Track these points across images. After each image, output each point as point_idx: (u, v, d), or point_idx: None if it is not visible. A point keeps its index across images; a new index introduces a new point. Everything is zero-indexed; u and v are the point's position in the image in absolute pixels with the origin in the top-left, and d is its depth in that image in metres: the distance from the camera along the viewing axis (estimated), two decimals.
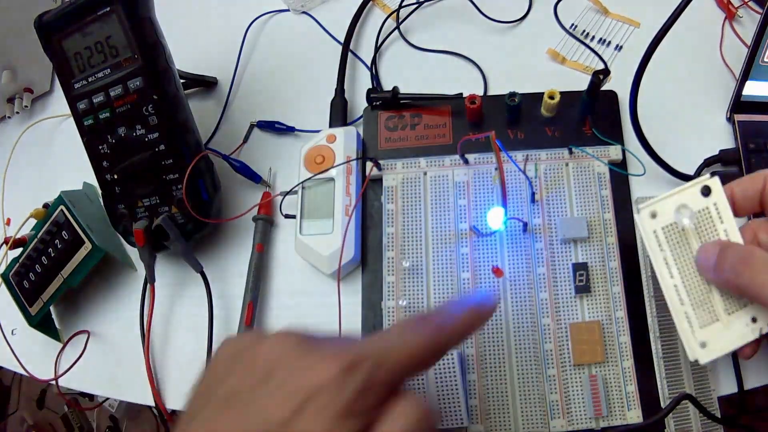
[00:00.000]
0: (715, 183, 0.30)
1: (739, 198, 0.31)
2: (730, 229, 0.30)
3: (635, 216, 0.32)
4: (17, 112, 0.57)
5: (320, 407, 0.22)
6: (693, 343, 0.30)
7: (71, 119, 0.43)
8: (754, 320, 0.29)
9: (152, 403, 0.41)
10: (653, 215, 0.31)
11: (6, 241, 0.46)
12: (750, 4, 0.45)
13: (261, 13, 0.53)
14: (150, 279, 0.42)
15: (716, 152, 0.40)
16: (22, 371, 0.46)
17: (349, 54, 0.49)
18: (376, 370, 0.23)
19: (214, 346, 0.41)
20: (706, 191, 0.31)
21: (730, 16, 0.45)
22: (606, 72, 0.37)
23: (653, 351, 0.35)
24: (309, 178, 0.41)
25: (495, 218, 0.37)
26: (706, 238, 0.30)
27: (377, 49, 0.49)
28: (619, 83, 0.41)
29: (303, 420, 0.22)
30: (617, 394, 0.35)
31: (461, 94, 0.43)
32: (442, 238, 0.39)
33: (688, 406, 0.34)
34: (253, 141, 0.48)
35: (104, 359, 0.44)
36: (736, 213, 0.30)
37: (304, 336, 0.25)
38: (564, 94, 0.40)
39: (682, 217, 0.30)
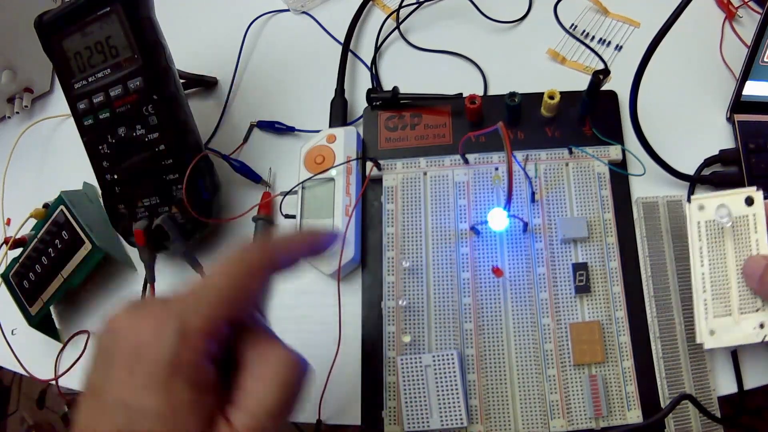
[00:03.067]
0: (758, 195, 0.34)
1: None
2: (761, 240, 0.33)
3: (685, 205, 0.36)
4: (17, 112, 0.57)
5: (146, 368, 0.22)
6: (704, 328, 0.33)
7: (71, 119, 0.43)
8: (761, 326, 0.32)
9: None
10: (701, 207, 0.34)
11: (6, 241, 0.46)
12: (750, 4, 0.45)
13: (261, 13, 0.53)
14: (150, 279, 0.42)
15: (716, 152, 0.40)
16: (22, 371, 0.46)
17: (349, 54, 0.49)
18: (188, 318, 0.22)
19: None
20: (750, 201, 0.34)
21: (730, 16, 0.45)
22: (606, 72, 0.37)
23: (653, 351, 0.35)
24: (309, 178, 0.41)
25: (496, 219, 0.37)
26: (740, 242, 0.34)
27: (377, 49, 0.49)
28: (619, 83, 0.41)
29: (135, 387, 0.22)
30: (617, 394, 0.35)
31: (461, 94, 0.43)
32: (442, 238, 0.39)
33: (688, 406, 0.34)
34: (253, 141, 0.48)
35: None
36: None
37: (133, 303, 0.24)
38: (564, 94, 0.40)
39: (723, 217, 0.33)
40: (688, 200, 0.35)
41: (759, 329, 0.32)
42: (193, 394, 0.22)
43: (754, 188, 0.34)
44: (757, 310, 0.33)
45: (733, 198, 0.34)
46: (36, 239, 0.45)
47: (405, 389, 0.35)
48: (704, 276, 0.34)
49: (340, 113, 0.45)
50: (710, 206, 0.34)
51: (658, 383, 0.35)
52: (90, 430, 0.22)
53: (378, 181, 0.41)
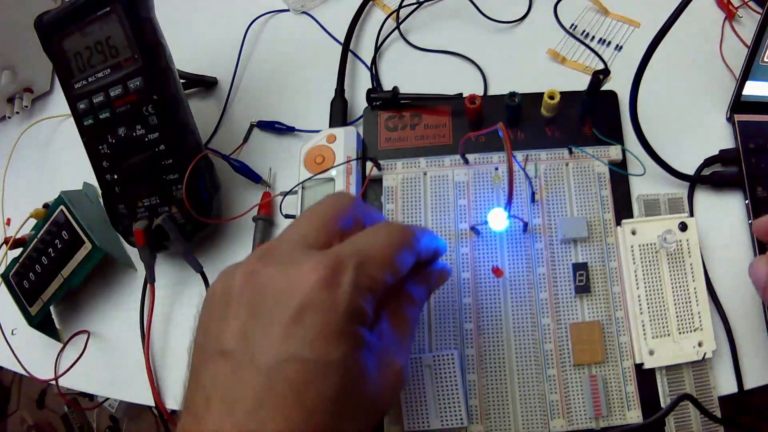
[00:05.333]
0: (691, 222, 0.36)
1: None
2: (695, 264, 0.35)
3: (617, 228, 0.37)
4: (17, 112, 0.57)
5: (321, 318, 0.22)
6: (643, 348, 0.34)
7: (71, 119, 0.43)
8: (700, 344, 0.34)
9: (152, 403, 0.41)
10: (633, 232, 0.36)
11: (6, 241, 0.46)
12: (750, 4, 0.45)
13: (261, 13, 0.53)
14: (150, 279, 0.42)
15: (716, 152, 0.40)
16: (22, 371, 0.46)
17: (349, 54, 0.49)
18: (361, 269, 0.23)
19: None
20: (683, 227, 0.35)
21: (730, 16, 0.45)
22: (606, 72, 0.37)
23: None
24: (309, 178, 0.41)
25: (496, 219, 0.37)
26: (675, 266, 0.35)
27: (377, 49, 0.49)
28: (619, 83, 0.41)
29: (304, 335, 0.21)
30: (617, 394, 0.35)
31: (461, 94, 0.43)
32: (442, 238, 0.39)
33: (688, 406, 0.34)
34: (253, 141, 0.48)
35: (104, 359, 0.44)
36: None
37: (266, 252, 0.24)
38: (564, 94, 0.40)
39: (670, 243, 0.35)
40: (618, 224, 0.37)
41: (698, 347, 0.34)
42: (366, 336, 0.23)
43: (687, 214, 0.36)
44: (695, 330, 0.34)
45: (668, 224, 0.35)
46: (36, 239, 0.45)
47: (405, 389, 0.35)
48: (640, 298, 0.35)
49: (340, 113, 0.45)
50: (642, 231, 0.36)
51: (658, 383, 0.35)
52: (252, 388, 0.21)
53: (378, 181, 0.41)
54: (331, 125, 0.45)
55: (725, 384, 0.35)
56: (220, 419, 0.21)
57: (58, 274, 0.44)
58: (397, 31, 0.50)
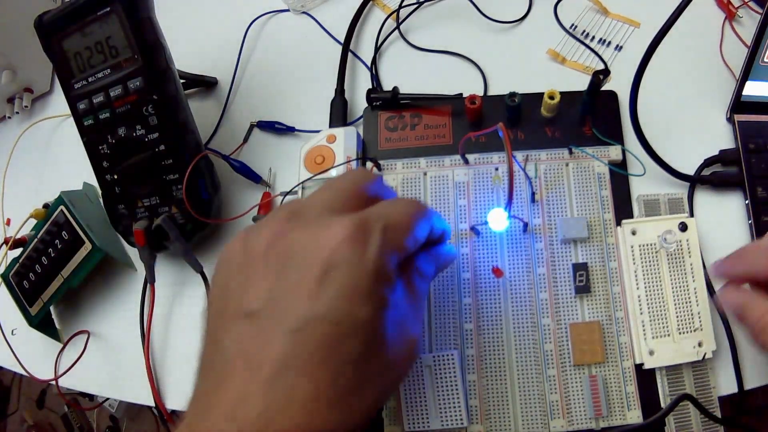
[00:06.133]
0: (691, 222, 0.36)
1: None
2: (695, 264, 0.35)
3: (617, 228, 0.37)
4: (17, 112, 0.57)
5: (347, 279, 0.22)
6: (643, 349, 0.34)
7: (71, 119, 0.43)
8: (700, 344, 0.34)
9: (152, 403, 0.41)
10: (633, 233, 0.36)
11: (6, 241, 0.46)
12: (750, 4, 0.45)
13: (261, 13, 0.53)
14: (150, 279, 0.42)
15: (716, 152, 0.40)
16: (22, 371, 0.46)
17: (349, 54, 0.49)
18: (387, 234, 0.24)
19: None
20: (683, 227, 0.35)
21: (730, 16, 0.45)
22: (606, 72, 0.37)
23: None
24: (309, 178, 0.41)
25: (496, 220, 0.37)
26: (675, 266, 0.35)
27: (377, 49, 0.49)
28: (619, 83, 0.41)
29: (332, 294, 0.22)
30: (617, 394, 0.35)
31: (461, 94, 0.43)
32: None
33: (688, 406, 0.34)
34: (253, 141, 0.48)
35: (104, 359, 0.44)
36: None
37: (293, 214, 0.25)
38: (564, 94, 0.40)
39: (670, 243, 0.35)
40: (618, 224, 0.37)
41: (698, 347, 0.34)
42: (390, 297, 0.23)
43: (687, 214, 0.37)
44: (695, 330, 0.34)
45: (668, 224, 0.35)
46: (36, 239, 0.45)
47: (405, 389, 0.35)
48: (640, 298, 0.35)
49: (340, 113, 0.45)
50: (642, 231, 0.36)
51: (658, 383, 0.35)
52: (277, 349, 0.21)
53: None
54: (331, 125, 0.45)
55: (725, 384, 0.35)
56: (245, 383, 0.21)
57: (58, 274, 0.44)
58: (397, 31, 0.50)
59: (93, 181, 0.44)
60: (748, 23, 0.44)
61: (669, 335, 0.34)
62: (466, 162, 0.40)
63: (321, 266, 0.22)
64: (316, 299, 0.22)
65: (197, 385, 0.23)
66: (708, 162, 0.40)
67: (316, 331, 0.21)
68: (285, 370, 0.21)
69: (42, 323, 0.46)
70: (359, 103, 0.48)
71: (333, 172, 0.41)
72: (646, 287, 0.35)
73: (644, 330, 0.35)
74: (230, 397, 0.21)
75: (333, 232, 0.23)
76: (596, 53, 0.45)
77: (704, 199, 0.39)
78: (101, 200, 0.45)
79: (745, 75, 0.40)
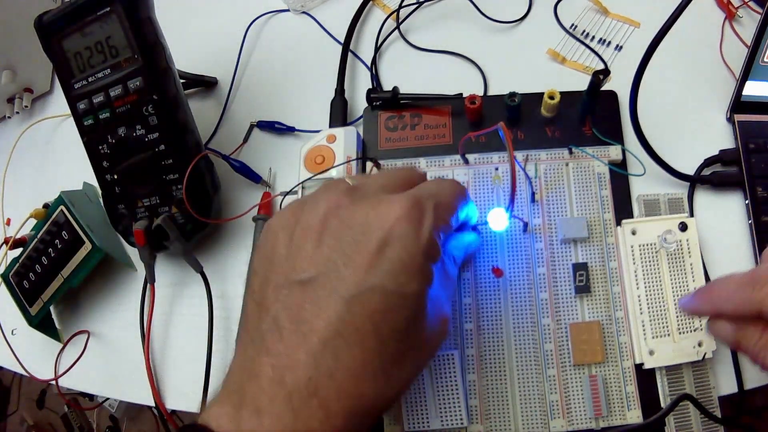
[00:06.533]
0: (691, 222, 0.36)
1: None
2: (695, 264, 0.35)
3: (617, 228, 0.37)
4: (17, 112, 0.57)
5: (401, 250, 0.23)
6: (643, 349, 0.34)
7: (71, 119, 0.43)
8: (699, 344, 0.34)
9: (152, 403, 0.41)
10: (633, 232, 0.36)
11: (6, 241, 0.46)
12: (750, 4, 0.45)
13: (261, 13, 0.53)
14: (150, 279, 0.42)
15: (716, 152, 0.40)
16: (22, 371, 0.46)
17: (349, 54, 0.49)
18: (438, 212, 0.25)
19: (215, 346, 0.41)
20: (683, 227, 0.35)
21: (730, 16, 0.45)
22: (606, 72, 0.37)
23: None
24: (309, 178, 0.41)
25: (496, 219, 0.37)
26: (675, 266, 0.35)
27: (377, 49, 0.49)
28: (619, 83, 0.41)
29: (387, 267, 0.22)
30: (617, 394, 0.35)
31: (461, 94, 0.43)
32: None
33: (688, 406, 0.34)
34: (253, 141, 0.48)
35: (104, 359, 0.44)
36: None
37: (352, 190, 0.26)
38: (564, 94, 0.40)
39: (670, 243, 0.35)
40: (618, 224, 0.37)
41: (698, 347, 0.34)
42: (436, 272, 0.24)
43: (687, 214, 0.36)
44: (695, 330, 0.34)
45: (668, 224, 0.35)
46: (36, 239, 0.45)
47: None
48: (640, 298, 0.35)
49: (340, 113, 0.45)
50: (642, 231, 0.36)
51: (658, 383, 0.35)
52: (330, 318, 0.22)
53: None
54: (331, 125, 0.45)
55: (725, 384, 0.35)
56: (293, 348, 0.22)
57: (58, 274, 0.44)
58: (397, 31, 0.50)
59: (93, 181, 0.44)
60: (748, 23, 0.44)
61: (669, 335, 0.34)
62: (466, 162, 0.40)
63: (379, 239, 0.23)
64: (373, 270, 0.22)
65: (241, 353, 0.24)
66: (708, 162, 0.40)
67: (370, 301, 0.22)
68: (336, 337, 0.22)
69: (42, 323, 0.46)
70: (359, 103, 0.48)
71: (333, 172, 0.41)
72: (646, 287, 0.35)
73: (644, 330, 0.35)
74: (280, 363, 0.22)
75: (392, 208, 0.24)
76: (596, 53, 0.45)
77: (704, 199, 0.40)
78: (101, 200, 0.45)
79: (745, 75, 0.40)
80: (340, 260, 0.23)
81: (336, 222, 0.24)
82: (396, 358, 0.23)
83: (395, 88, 0.44)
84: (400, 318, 0.23)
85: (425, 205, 0.25)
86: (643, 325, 0.35)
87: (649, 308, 0.35)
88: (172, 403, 0.41)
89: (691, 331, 0.34)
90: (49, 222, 0.45)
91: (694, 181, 0.39)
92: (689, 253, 0.35)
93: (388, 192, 0.26)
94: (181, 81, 0.44)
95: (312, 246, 0.24)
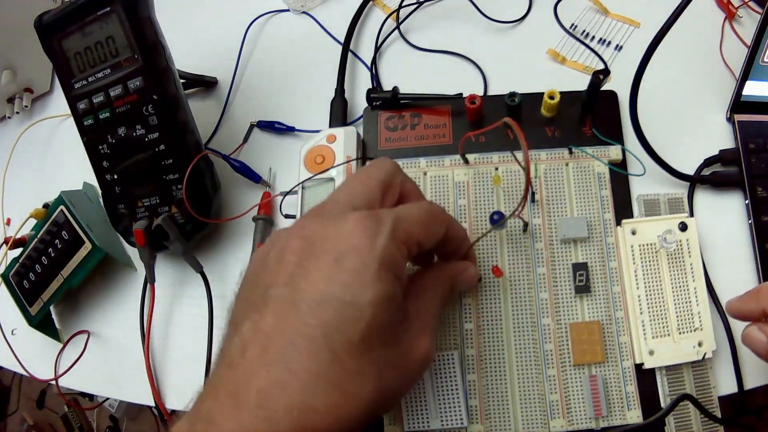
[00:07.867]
0: (691, 222, 0.36)
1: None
2: (695, 264, 0.35)
3: (617, 228, 0.37)
4: (17, 112, 0.57)
5: (357, 265, 0.23)
6: (642, 348, 0.34)
7: (71, 119, 0.43)
8: (699, 344, 0.34)
9: (152, 403, 0.41)
10: (633, 232, 0.36)
11: (6, 241, 0.46)
12: (750, 4, 0.45)
13: (261, 13, 0.53)
14: (150, 279, 0.42)
15: (716, 152, 0.40)
16: (22, 371, 0.46)
17: (349, 54, 0.49)
18: (397, 227, 0.25)
19: (214, 346, 0.41)
20: (683, 227, 0.35)
21: (730, 16, 0.45)
22: (606, 72, 0.37)
23: None
24: (309, 178, 0.41)
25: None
26: (675, 266, 0.35)
27: (377, 49, 0.49)
28: (619, 83, 0.41)
29: (342, 278, 0.23)
30: (617, 394, 0.35)
31: (461, 94, 0.43)
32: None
33: (688, 406, 0.34)
34: (253, 141, 0.48)
35: (104, 359, 0.44)
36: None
37: (316, 211, 0.27)
38: (564, 94, 0.40)
39: (670, 243, 0.35)
40: (618, 224, 0.37)
41: (698, 347, 0.34)
42: (397, 288, 0.25)
43: (687, 214, 0.37)
44: (695, 330, 0.34)
45: (668, 224, 0.35)
46: (36, 239, 0.45)
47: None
48: (640, 298, 0.35)
49: (340, 113, 0.45)
50: (642, 231, 0.36)
51: (658, 383, 0.35)
52: (287, 330, 0.22)
53: None
54: (331, 125, 0.45)
55: (725, 384, 0.35)
56: (254, 364, 0.22)
57: (58, 274, 0.44)
58: (397, 31, 0.50)
59: (93, 181, 0.44)
60: (748, 23, 0.44)
61: (669, 335, 0.34)
62: (466, 162, 0.40)
63: (336, 251, 0.24)
64: (329, 282, 0.23)
65: (212, 371, 0.24)
66: (708, 162, 0.40)
67: (324, 313, 0.22)
68: (289, 349, 0.22)
69: (42, 323, 0.46)
70: (359, 103, 0.48)
71: (333, 172, 0.41)
72: (646, 287, 0.35)
73: (644, 330, 0.35)
74: (237, 376, 0.22)
75: (349, 224, 0.24)
76: (596, 53, 0.45)
77: (704, 198, 0.40)
78: (101, 200, 0.45)
79: (745, 75, 0.40)
80: (301, 275, 0.24)
81: (299, 241, 0.25)
82: (352, 372, 0.22)
83: (395, 88, 0.44)
84: (354, 330, 0.22)
85: (383, 217, 0.25)
86: (643, 325, 0.35)
87: (649, 308, 0.35)
88: (172, 403, 0.41)
89: (691, 331, 0.34)
90: (49, 222, 0.45)
91: (694, 181, 0.39)
92: (689, 253, 0.35)
93: (353, 208, 0.26)
94: (181, 81, 0.44)
95: (278, 264, 0.24)
